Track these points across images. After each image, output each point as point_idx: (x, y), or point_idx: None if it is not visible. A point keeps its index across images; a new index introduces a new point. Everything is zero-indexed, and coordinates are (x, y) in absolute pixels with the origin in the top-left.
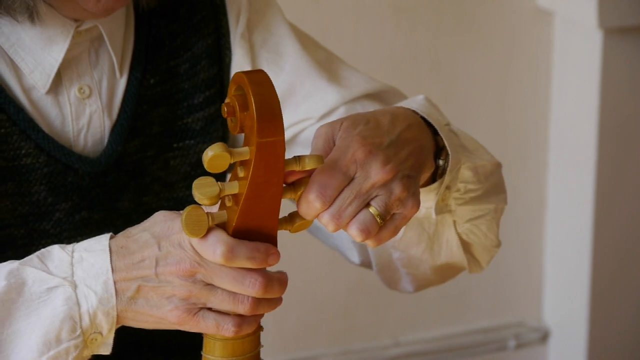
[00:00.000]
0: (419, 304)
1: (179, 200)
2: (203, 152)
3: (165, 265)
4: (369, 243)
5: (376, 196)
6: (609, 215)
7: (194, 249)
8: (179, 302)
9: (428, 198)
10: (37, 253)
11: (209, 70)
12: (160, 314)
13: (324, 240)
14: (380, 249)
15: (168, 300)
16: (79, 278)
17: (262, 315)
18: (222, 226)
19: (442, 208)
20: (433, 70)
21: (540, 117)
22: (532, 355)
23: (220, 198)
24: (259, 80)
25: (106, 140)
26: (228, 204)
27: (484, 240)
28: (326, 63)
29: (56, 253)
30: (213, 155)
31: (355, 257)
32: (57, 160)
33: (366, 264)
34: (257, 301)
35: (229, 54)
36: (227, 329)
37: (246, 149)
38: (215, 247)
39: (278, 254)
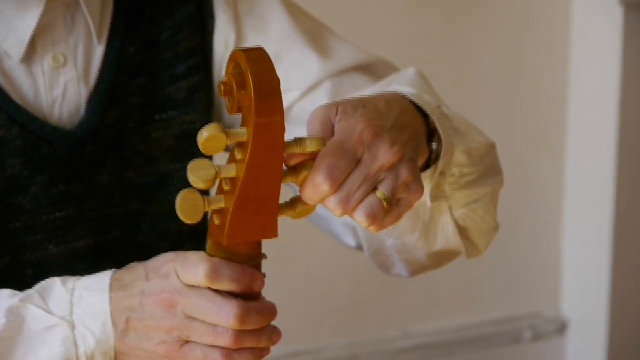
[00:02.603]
0: (429, 293)
1: (163, 175)
2: (187, 123)
3: (149, 295)
4: (371, 229)
5: (383, 180)
6: (630, 202)
7: (179, 278)
8: (164, 335)
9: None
10: (38, 287)
11: (191, 39)
12: (150, 347)
13: (317, 223)
14: (372, 234)
15: (155, 334)
16: (77, 318)
17: (262, 349)
18: (220, 211)
19: (437, 194)
20: (445, 51)
21: (558, 98)
22: (549, 347)
23: (216, 181)
24: (258, 57)
25: (83, 110)
26: (225, 188)
27: (481, 224)
28: (314, 32)
29: (57, 290)
30: (208, 137)
31: (350, 240)
32: (31, 132)
33: (361, 247)
34: (240, 334)
35: (212, 22)
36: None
37: (244, 129)
38: (198, 266)
39: (263, 281)
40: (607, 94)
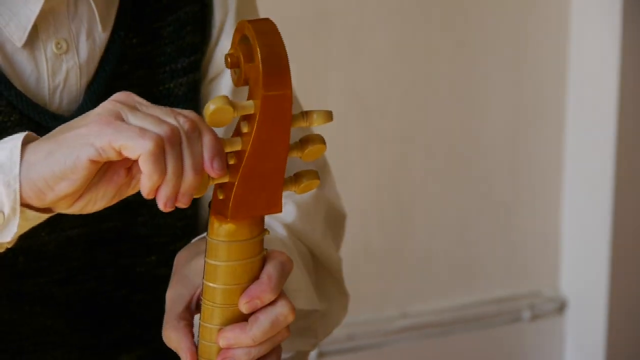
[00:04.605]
0: (427, 273)
1: None
2: None
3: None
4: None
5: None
6: (631, 177)
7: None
8: (101, 112)
9: None
10: None
11: (194, 36)
12: (77, 133)
13: None
14: None
15: (87, 119)
16: None
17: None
18: (223, 185)
19: None
20: (444, 24)
21: (558, 70)
22: (548, 326)
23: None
24: (266, 29)
25: (81, 99)
26: (230, 161)
27: None
28: None
29: None
30: (215, 109)
31: None
32: (30, 119)
33: None
34: (178, 134)
35: (209, 27)
36: (150, 136)
37: (250, 102)
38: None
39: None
40: (608, 65)
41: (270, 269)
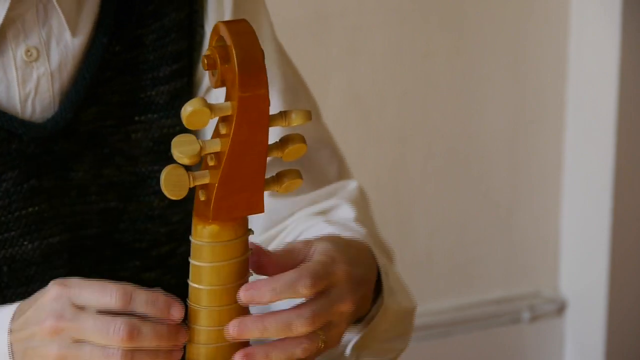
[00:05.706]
0: (426, 273)
1: (142, 175)
2: (167, 127)
3: (37, 323)
4: None
5: (329, 324)
6: (630, 178)
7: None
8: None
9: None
10: None
11: (178, 44)
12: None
13: None
14: None
15: None
16: None
17: None
18: (205, 187)
19: (360, 346)
20: (443, 25)
21: (557, 72)
22: (547, 327)
23: (201, 157)
24: (242, 30)
25: (56, 105)
26: (210, 163)
27: None
28: (294, 90)
29: None
30: (192, 111)
31: None
32: (1, 127)
33: None
34: (131, 353)
35: (200, 32)
36: None
37: (228, 103)
38: (111, 289)
39: (182, 305)
40: (607, 68)
41: (294, 273)
